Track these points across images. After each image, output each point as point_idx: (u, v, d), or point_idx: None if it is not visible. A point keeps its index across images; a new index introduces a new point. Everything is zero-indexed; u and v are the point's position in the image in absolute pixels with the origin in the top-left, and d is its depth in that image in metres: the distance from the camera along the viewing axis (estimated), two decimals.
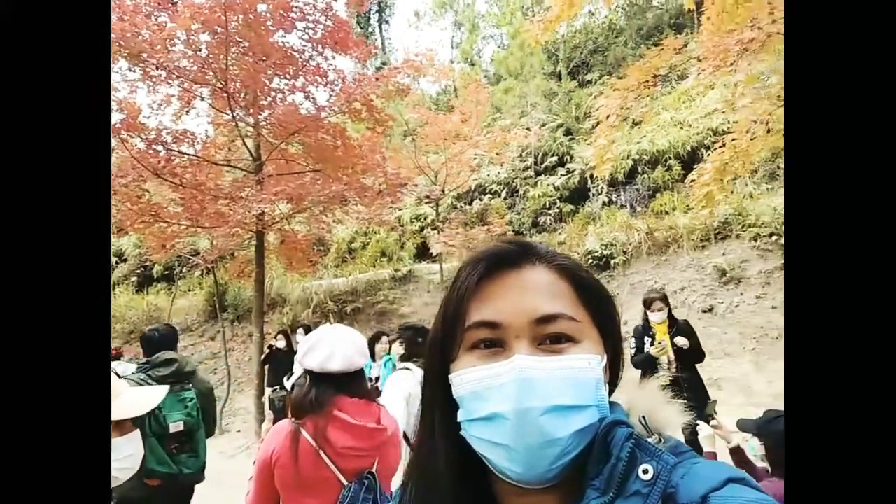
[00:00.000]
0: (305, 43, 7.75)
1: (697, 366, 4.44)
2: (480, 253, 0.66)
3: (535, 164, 13.35)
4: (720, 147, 6.68)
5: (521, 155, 12.44)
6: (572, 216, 12.08)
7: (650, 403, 0.61)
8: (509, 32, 17.38)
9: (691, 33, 13.59)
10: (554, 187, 12.59)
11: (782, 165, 10.12)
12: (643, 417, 0.59)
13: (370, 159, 8.43)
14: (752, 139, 6.50)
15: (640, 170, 12.05)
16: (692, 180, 7.30)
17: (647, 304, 4.52)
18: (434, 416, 0.67)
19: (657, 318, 4.43)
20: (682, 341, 4.21)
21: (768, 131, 6.60)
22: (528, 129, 9.97)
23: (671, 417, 0.60)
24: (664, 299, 4.50)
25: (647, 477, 0.53)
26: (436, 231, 10.25)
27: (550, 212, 12.44)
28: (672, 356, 4.29)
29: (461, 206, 13.42)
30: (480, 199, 13.45)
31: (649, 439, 0.56)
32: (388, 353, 5.81)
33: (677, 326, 4.42)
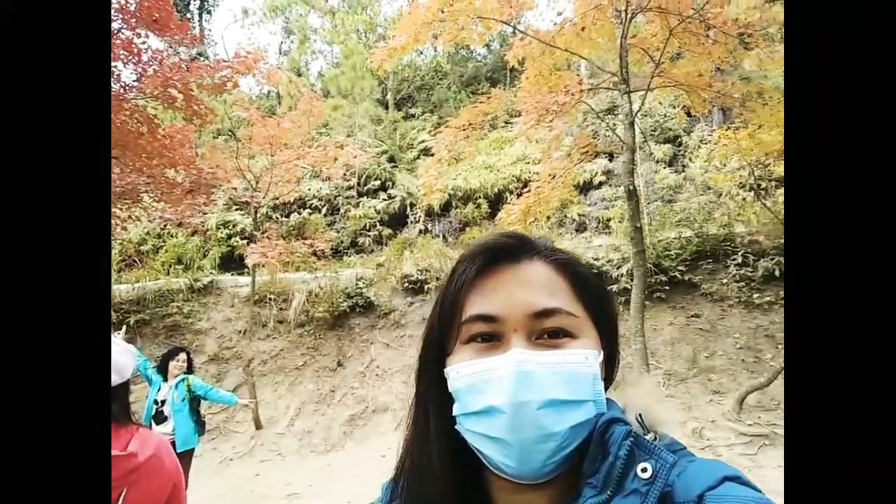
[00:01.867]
0: (116, 13, 6.71)
1: None
2: (478, 246, 0.65)
3: (359, 185, 13.43)
4: (527, 192, 7.57)
5: (345, 174, 12.42)
6: (391, 240, 12.38)
7: (646, 401, 0.61)
8: (343, 52, 17.40)
9: (504, 88, 15.29)
10: (375, 210, 12.80)
11: (569, 214, 11.83)
12: (640, 415, 0.59)
13: (180, 153, 7.53)
14: (552, 189, 7.51)
15: (454, 204, 12.94)
16: (500, 218, 8.12)
17: None
18: (428, 410, 0.65)
19: None
20: None
21: (564, 185, 7.72)
22: (361, 149, 10.00)
23: (667, 415, 0.60)
24: None
25: (646, 476, 0.53)
26: (247, 241, 9.54)
27: (370, 233, 12.58)
28: None
29: (277, 218, 12.77)
30: (299, 213, 12.98)
31: (646, 437, 0.56)
32: (185, 373, 5.16)
33: None
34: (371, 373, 8.54)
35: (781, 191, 9.75)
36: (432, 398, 0.65)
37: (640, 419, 0.58)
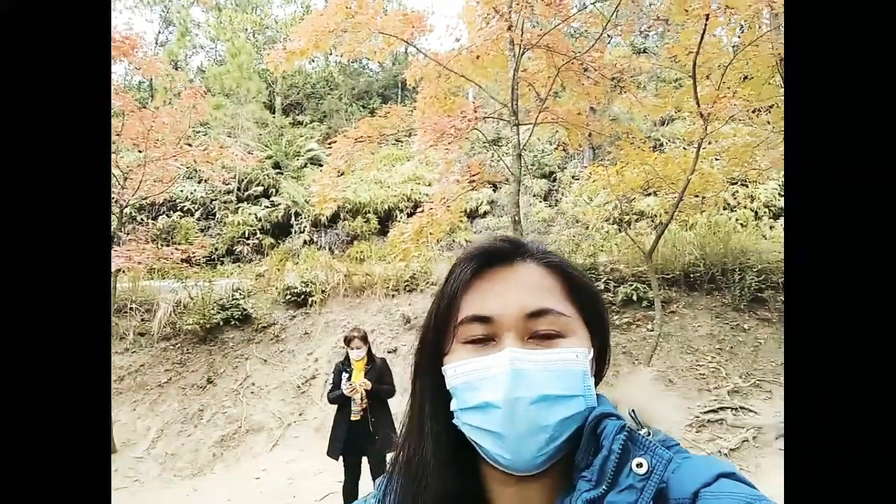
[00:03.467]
0: None
1: (389, 401, 4.83)
2: (474, 250, 0.67)
3: (239, 190, 12.69)
4: (420, 212, 7.71)
5: (225, 178, 11.69)
6: (272, 249, 11.81)
7: (640, 397, 0.64)
8: (229, 50, 16.44)
9: (394, 105, 15.48)
10: (256, 217, 12.15)
11: (457, 239, 12.20)
12: (633, 411, 0.61)
13: None
14: (445, 212, 7.73)
15: (342, 216, 12.74)
16: (393, 236, 8.17)
17: (348, 341, 4.73)
18: (424, 407, 0.67)
19: (356, 355, 4.65)
20: (365, 384, 4.46)
21: (455, 210, 8.00)
22: (249, 152, 9.45)
23: (661, 411, 0.62)
24: (364, 338, 4.75)
25: (642, 471, 0.53)
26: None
27: (249, 242, 11.90)
28: (364, 393, 4.56)
29: (143, 219, 11.59)
30: (168, 216, 11.91)
31: (640, 433, 0.57)
32: None
33: (374, 365, 4.74)
34: (245, 390, 8.02)
35: (641, 223, 10.94)
36: (428, 396, 0.67)
37: (633, 415, 0.61)
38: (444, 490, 0.63)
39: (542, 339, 0.61)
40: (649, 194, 10.23)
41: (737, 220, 10.66)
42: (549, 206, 13.08)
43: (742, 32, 9.70)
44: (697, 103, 6.47)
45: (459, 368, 0.62)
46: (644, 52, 15.11)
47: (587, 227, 11.45)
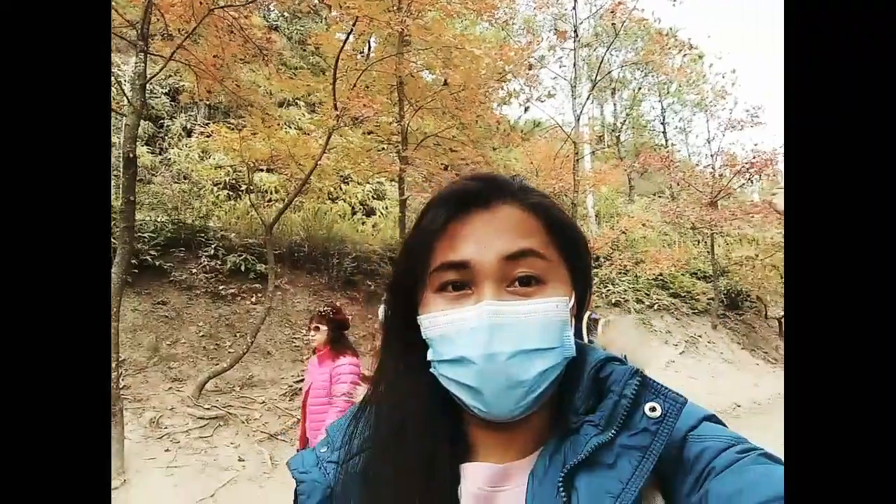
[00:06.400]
0: None
1: None
2: (447, 192, 0.62)
3: None
4: None
5: None
6: None
7: (627, 342, 0.65)
8: None
9: None
10: None
11: None
12: (625, 356, 0.62)
13: None
14: None
15: None
16: None
17: None
18: (398, 354, 0.66)
19: None
20: None
21: None
22: None
23: (649, 356, 0.67)
24: None
25: (655, 415, 0.54)
26: None
27: None
28: None
29: None
30: None
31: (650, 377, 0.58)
32: None
33: None
34: None
35: (253, 196, 10.79)
36: (403, 342, 0.65)
37: (625, 360, 0.62)
38: (423, 432, 0.61)
39: (520, 287, 0.59)
40: (267, 170, 10.22)
41: (336, 212, 11.85)
42: (153, 152, 11.38)
43: (371, 48, 10.95)
44: (334, 96, 6.94)
45: (435, 320, 0.60)
46: (276, 29, 14.94)
47: (200, 187, 10.57)
